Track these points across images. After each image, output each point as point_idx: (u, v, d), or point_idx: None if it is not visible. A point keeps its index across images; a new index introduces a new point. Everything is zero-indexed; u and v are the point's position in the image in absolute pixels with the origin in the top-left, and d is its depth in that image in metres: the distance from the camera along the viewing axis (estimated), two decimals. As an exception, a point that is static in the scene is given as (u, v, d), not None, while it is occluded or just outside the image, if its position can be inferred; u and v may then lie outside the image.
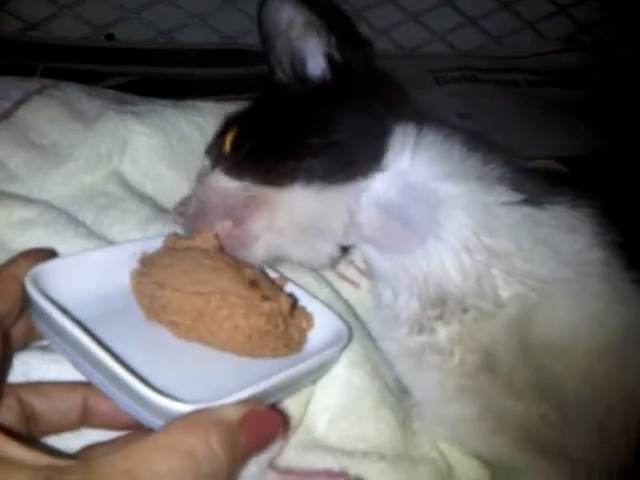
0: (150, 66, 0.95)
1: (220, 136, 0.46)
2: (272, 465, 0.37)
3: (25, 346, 0.37)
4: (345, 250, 0.46)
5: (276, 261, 0.44)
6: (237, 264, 0.39)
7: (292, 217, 0.42)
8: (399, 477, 0.37)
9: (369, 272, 0.47)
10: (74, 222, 0.45)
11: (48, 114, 0.51)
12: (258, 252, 0.41)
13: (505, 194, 0.41)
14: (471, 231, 0.40)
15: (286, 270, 0.44)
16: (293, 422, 0.38)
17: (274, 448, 0.36)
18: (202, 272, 0.37)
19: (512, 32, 1.14)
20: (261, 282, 0.39)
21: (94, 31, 1.00)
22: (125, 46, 0.99)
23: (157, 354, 0.35)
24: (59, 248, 0.41)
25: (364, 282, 0.48)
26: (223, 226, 0.41)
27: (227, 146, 0.44)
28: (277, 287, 0.41)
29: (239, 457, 0.28)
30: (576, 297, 0.38)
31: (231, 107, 0.52)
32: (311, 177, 0.41)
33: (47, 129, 0.51)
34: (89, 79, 0.59)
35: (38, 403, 0.33)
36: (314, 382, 0.40)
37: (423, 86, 0.97)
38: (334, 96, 0.44)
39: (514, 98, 0.99)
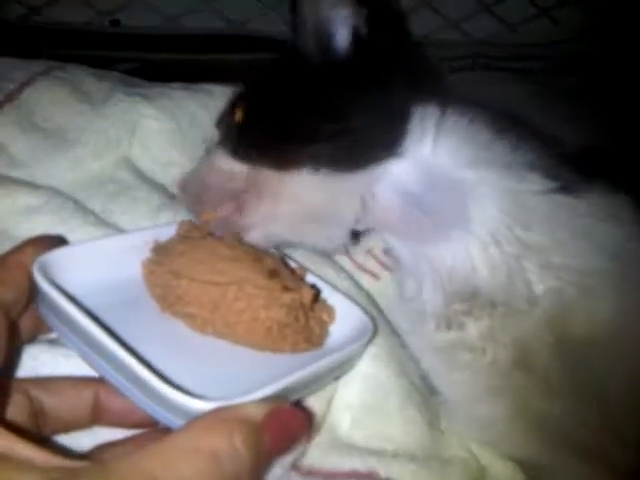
0: (156, 52, 0.94)
1: (231, 108, 0.44)
2: (295, 466, 0.35)
3: (33, 339, 0.35)
4: (357, 235, 0.44)
5: (282, 245, 0.42)
6: (256, 252, 0.38)
7: (297, 204, 0.40)
8: (432, 479, 0.35)
9: (392, 261, 0.45)
10: (82, 210, 0.43)
11: (54, 96, 0.49)
12: (256, 239, 0.40)
13: (537, 182, 0.39)
14: (500, 222, 0.38)
15: (304, 260, 0.42)
16: (317, 420, 0.36)
17: (298, 448, 0.34)
18: (219, 261, 0.36)
19: (527, 20, 1.12)
20: (281, 272, 0.37)
21: (99, 17, 0.98)
22: (131, 32, 0.97)
23: (171, 347, 0.33)
24: (66, 237, 0.39)
25: (385, 274, 0.46)
26: (223, 210, 0.40)
27: (237, 118, 0.42)
28: (298, 277, 0.39)
29: (263, 458, 0.26)
30: (618, 289, 0.36)
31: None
32: (320, 163, 0.39)
33: (52, 112, 0.48)
34: (94, 65, 0.58)
35: (47, 399, 0.31)
36: (337, 379, 0.37)
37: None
38: (354, 76, 0.41)
39: (529, 86, 0.97)
